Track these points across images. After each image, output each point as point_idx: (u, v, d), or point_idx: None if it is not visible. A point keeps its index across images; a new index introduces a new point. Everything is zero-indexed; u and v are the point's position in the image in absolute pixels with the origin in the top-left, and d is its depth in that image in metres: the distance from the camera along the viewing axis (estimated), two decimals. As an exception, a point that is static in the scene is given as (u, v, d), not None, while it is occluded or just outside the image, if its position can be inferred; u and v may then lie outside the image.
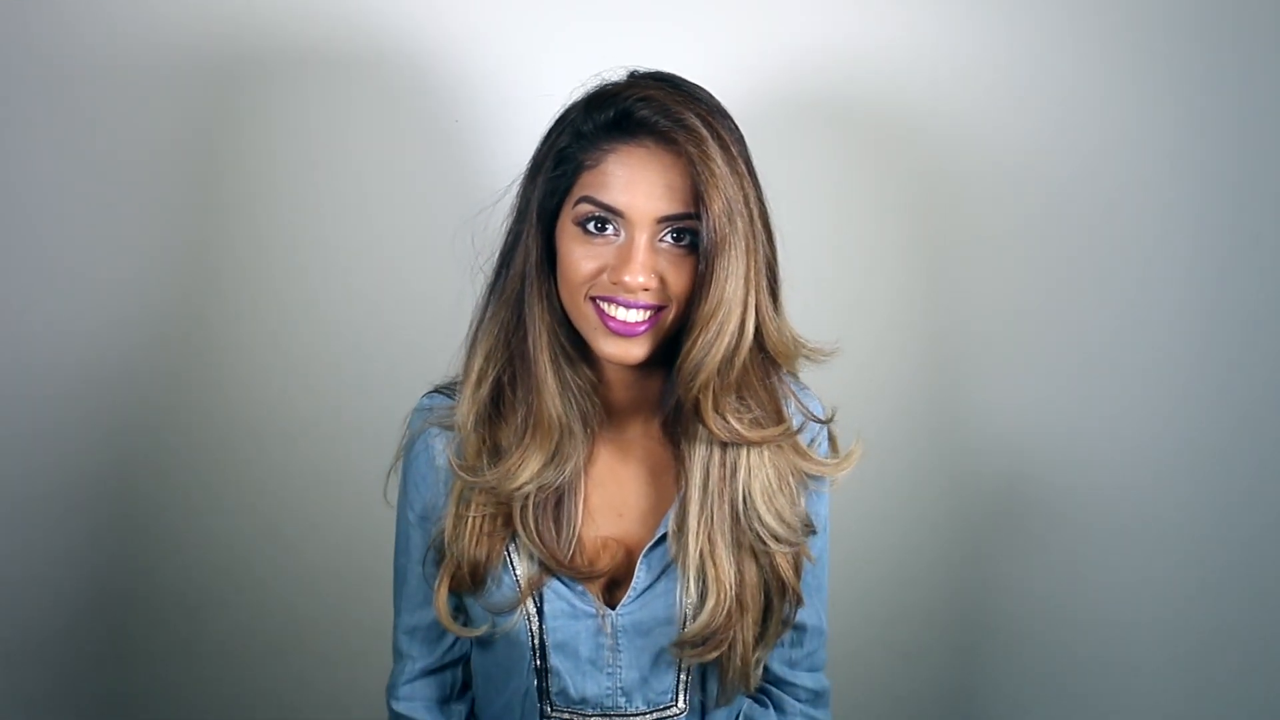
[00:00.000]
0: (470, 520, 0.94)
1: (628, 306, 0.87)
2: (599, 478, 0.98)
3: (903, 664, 1.45)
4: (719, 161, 0.85)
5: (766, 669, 1.03)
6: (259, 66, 1.26)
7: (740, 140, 0.90)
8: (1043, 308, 1.37)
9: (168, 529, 1.37)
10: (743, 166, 0.88)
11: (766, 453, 0.94)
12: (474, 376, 0.94)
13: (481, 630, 0.97)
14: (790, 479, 0.96)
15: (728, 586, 0.92)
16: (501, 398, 0.95)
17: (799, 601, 0.98)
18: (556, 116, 0.92)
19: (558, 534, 0.94)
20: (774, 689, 1.05)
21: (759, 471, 0.94)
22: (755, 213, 0.88)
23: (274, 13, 1.25)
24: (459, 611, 0.99)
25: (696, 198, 0.85)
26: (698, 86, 0.91)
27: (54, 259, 1.29)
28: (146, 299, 1.31)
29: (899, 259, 1.37)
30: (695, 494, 0.93)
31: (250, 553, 1.39)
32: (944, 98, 1.32)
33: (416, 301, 1.31)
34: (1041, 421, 1.39)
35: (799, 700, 1.05)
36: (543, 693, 0.96)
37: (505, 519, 0.94)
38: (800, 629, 1.03)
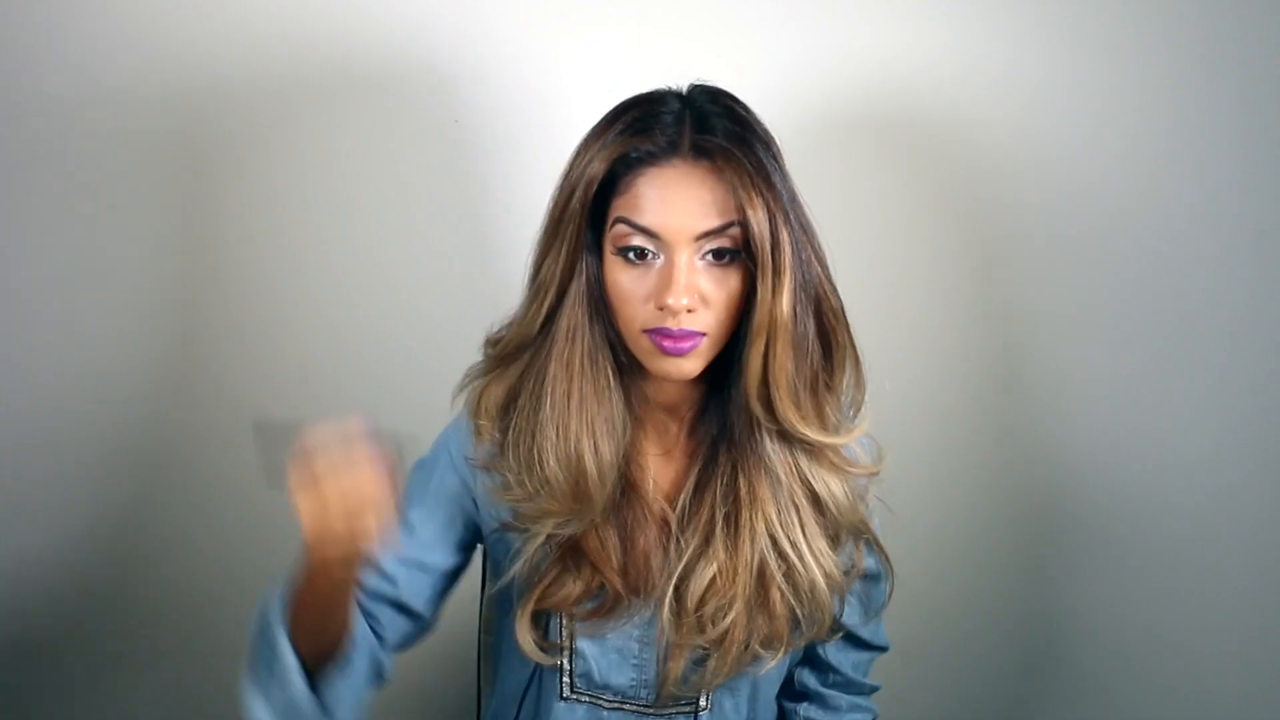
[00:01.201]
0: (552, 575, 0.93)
1: (675, 339, 0.85)
2: (655, 482, 0.97)
3: (902, 663, 1.46)
4: (753, 173, 0.82)
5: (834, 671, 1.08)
6: (257, 71, 1.25)
7: (771, 142, 0.87)
8: (1099, 316, 1.35)
9: (167, 528, 1.37)
10: (779, 171, 0.85)
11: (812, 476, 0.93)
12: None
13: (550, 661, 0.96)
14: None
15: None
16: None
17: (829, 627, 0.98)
18: (580, 146, 0.89)
19: (624, 550, 0.94)
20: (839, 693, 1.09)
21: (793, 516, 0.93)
22: (794, 214, 0.86)
23: (274, 19, 1.24)
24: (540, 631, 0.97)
25: (735, 208, 0.83)
26: (718, 90, 0.89)
27: (54, 259, 1.28)
28: (147, 299, 1.30)
29: (944, 270, 1.35)
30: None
31: (250, 551, 1.38)
32: (991, 106, 1.30)
33: (416, 303, 1.31)
34: (1092, 433, 1.38)
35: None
36: (567, 672, 0.96)
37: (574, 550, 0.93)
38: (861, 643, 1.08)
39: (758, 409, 0.87)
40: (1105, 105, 1.29)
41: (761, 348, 0.84)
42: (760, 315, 0.83)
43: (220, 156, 1.27)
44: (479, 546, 1.03)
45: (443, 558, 0.97)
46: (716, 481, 0.92)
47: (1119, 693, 1.45)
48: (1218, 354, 1.34)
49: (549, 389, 0.89)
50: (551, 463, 0.89)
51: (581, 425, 0.89)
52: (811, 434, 0.88)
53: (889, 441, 1.00)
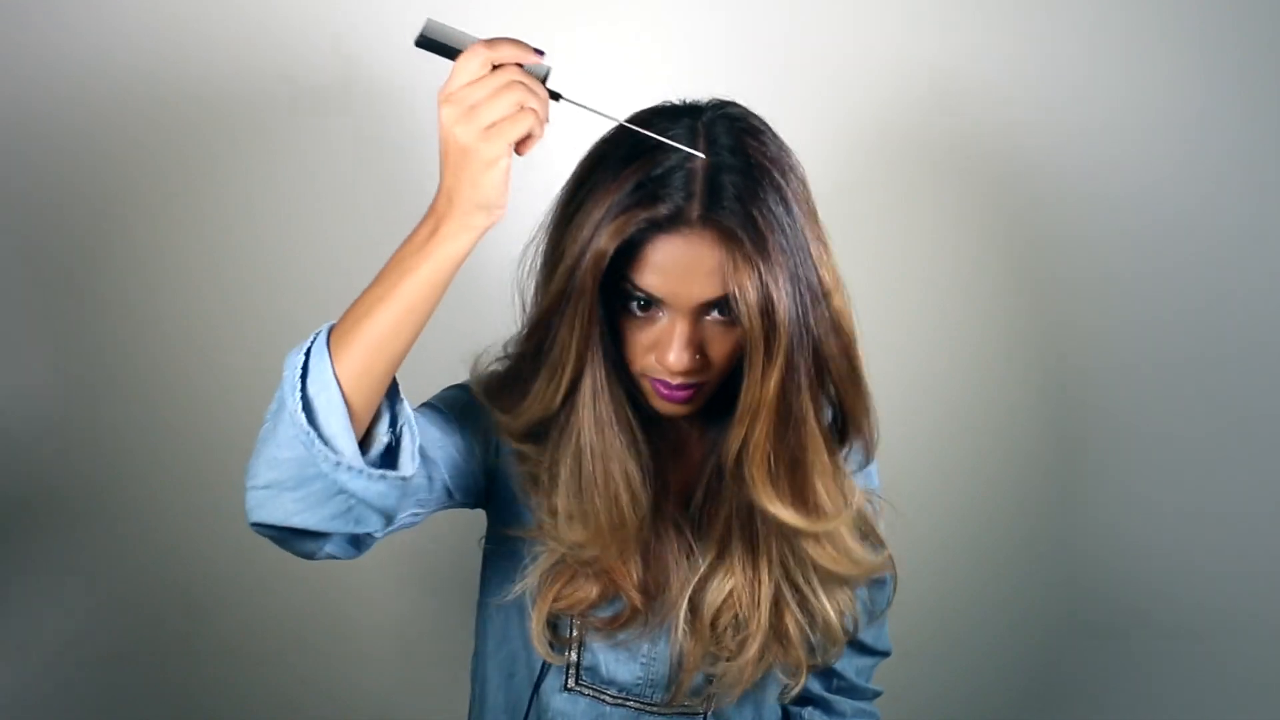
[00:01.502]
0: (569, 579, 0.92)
1: (673, 389, 0.85)
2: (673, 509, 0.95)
3: (900, 662, 1.46)
4: (753, 251, 0.77)
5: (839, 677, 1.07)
6: (262, 71, 1.25)
7: (787, 183, 0.80)
8: (1111, 324, 1.35)
9: (167, 528, 1.37)
10: (790, 229, 0.79)
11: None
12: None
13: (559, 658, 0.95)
14: None
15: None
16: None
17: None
18: (580, 195, 0.83)
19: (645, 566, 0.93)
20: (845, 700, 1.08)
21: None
22: (804, 279, 0.79)
23: (283, 22, 1.24)
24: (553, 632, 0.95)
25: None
26: (738, 124, 0.82)
27: (56, 258, 1.28)
28: (147, 299, 1.30)
29: (955, 270, 1.35)
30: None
31: (250, 551, 1.37)
32: (1028, 117, 1.28)
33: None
34: (1097, 433, 1.38)
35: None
36: (573, 665, 0.95)
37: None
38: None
39: (731, 484, 0.86)
40: (1150, 113, 1.29)
41: (742, 431, 0.82)
42: (745, 398, 0.81)
43: (228, 163, 1.27)
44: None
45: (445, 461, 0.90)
46: (729, 498, 0.90)
47: (1119, 692, 1.45)
48: (1252, 363, 1.35)
49: (585, 454, 0.86)
50: (601, 518, 0.87)
51: (620, 481, 0.87)
52: (785, 516, 0.85)
53: (892, 440, 0.99)
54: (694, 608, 0.91)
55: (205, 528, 1.37)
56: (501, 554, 0.98)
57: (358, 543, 0.86)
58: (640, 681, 0.95)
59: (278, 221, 1.30)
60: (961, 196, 1.33)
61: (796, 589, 0.91)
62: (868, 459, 0.96)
